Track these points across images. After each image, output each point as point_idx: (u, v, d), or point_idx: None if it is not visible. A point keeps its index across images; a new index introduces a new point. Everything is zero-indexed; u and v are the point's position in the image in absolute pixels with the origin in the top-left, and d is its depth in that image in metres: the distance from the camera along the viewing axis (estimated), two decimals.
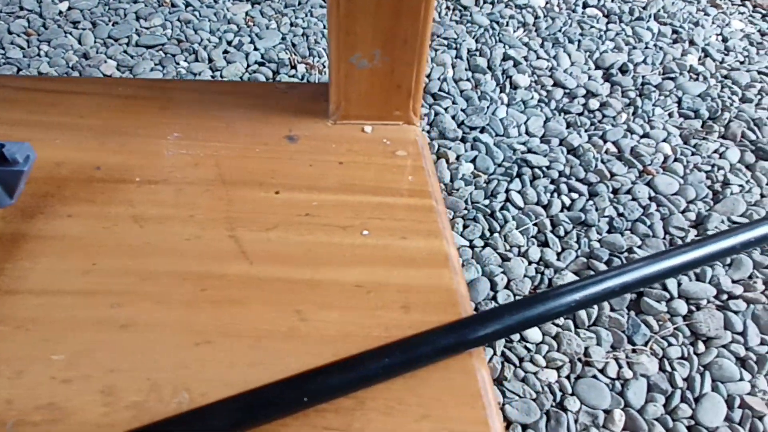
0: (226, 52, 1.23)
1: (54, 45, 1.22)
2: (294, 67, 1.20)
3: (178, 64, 1.19)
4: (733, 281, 0.89)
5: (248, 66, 1.19)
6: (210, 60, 1.21)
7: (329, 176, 0.28)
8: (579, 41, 1.35)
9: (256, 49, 1.23)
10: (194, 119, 0.32)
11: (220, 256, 0.26)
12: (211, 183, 0.28)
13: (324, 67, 1.20)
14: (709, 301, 0.86)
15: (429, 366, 0.21)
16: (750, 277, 0.90)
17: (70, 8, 1.32)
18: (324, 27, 1.32)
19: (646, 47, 1.34)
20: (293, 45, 1.25)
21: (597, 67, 1.28)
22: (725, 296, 0.87)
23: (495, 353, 0.78)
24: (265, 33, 1.28)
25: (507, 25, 1.38)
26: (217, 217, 0.27)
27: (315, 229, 0.27)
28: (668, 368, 0.79)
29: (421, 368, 0.21)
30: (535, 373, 0.77)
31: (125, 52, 1.21)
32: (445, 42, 1.31)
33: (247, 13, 1.34)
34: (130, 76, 1.15)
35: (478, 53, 1.28)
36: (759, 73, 1.29)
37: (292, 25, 1.32)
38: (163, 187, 0.28)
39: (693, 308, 0.85)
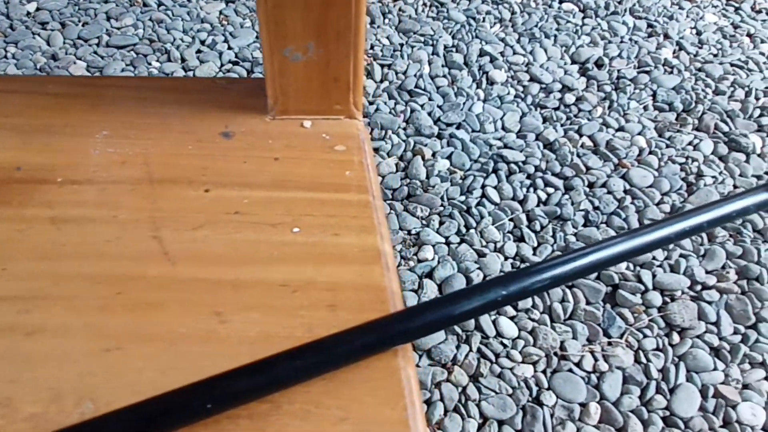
0: (199, 51, 1.21)
1: (22, 47, 1.20)
2: None
3: (149, 64, 1.18)
4: (707, 272, 0.89)
5: (222, 65, 1.18)
6: (183, 60, 1.19)
7: (263, 173, 0.27)
8: (555, 36, 1.35)
9: (230, 48, 1.22)
10: (126, 116, 0.31)
11: (141, 257, 0.25)
12: (137, 182, 0.27)
13: None
14: (683, 292, 0.87)
15: (351, 366, 0.21)
16: (723, 267, 0.90)
17: (38, 9, 1.30)
18: None
19: (622, 41, 1.35)
20: None
21: (573, 62, 1.29)
22: (699, 287, 0.87)
23: (471, 350, 0.78)
24: (239, 32, 1.26)
25: (483, 20, 1.38)
26: (140, 218, 0.26)
27: (243, 227, 0.26)
28: (643, 360, 0.79)
29: (343, 368, 0.21)
30: (511, 369, 0.77)
31: (95, 53, 1.19)
32: (422, 38, 1.30)
33: (221, 12, 1.33)
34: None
35: (454, 49, 1.28)
36: (731, 65, 1.30)
37: None
38: (86, 188, 0.27)
39: (668, 299, 0.86)
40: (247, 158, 0.28)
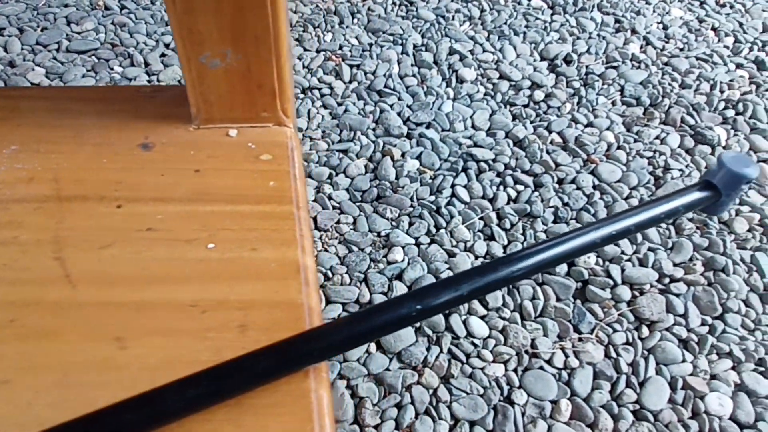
0: (163, 55, 1.19)
1: None
2: None
3: (111, 69, 1.15)
4: (675, 264, 0.90)
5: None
6: (146, 64, 1.17)
7: (181, 186, 0.26)
8: (524, 33, 1.35)
9: None
10: (38, 130, 0.29)
11: (39, 281, 0.23)
12: (44, 199, 0.26)
13: None
14: (651, 286, 0.87)
15: (259, 390, 0.20)
16: (691, 259, 0.91)
17: None
18: None
19: (590, 37, 1.36)
20: None
21: (542, 59, 1.29)
22: (667, 279, 0.88)
23: (441, 351, 0.78)
24: None
25: (453, 19, 1.38)
26: (43, 238, 0.24)
27: (155, 244, 0.25)
28: (613, 354, 0.80)
29: (249, 394, 0.20)
30: (482, 369, 0.77)
31: (55, 58, 1.16)
32: (391, 38, 1.29)
33: None
34: (60, 84, 1.10)
35: (424, 48, 1.28)
36: (697, 59, 1.32)
37: None
38: None
39: (636, 293, 0.86)
40: (166, 171, 0.27)
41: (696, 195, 0.25)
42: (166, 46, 1.21)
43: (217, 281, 0.23)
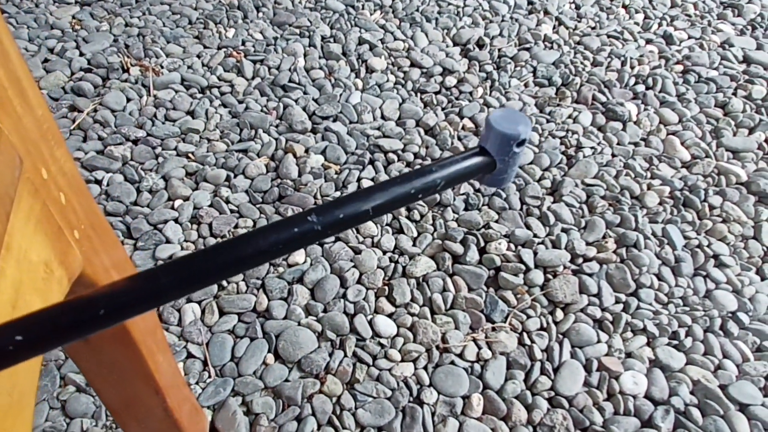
0: (46, 60, 1.09)
1: None
2: (126, 70, 1.09)
3: None
4: (588, 244, 0.88)
5: (72, 74, 1.07)
6: None
7: None
8: (436, 19, 1.32)
9: (81, 54, 1.11)
10: None
11: None
12: None
13: (162, 68, 1.10)
14: (565, 267, 0.85)
15: None
16: (604, 237, 0.90)
17: None
18: (164, 24, 1.21)
19: (503, 20, 1.34)
20: (126, 47, 1.13)
21: (455, 44, 1.26)
22: (580, 260, 0.86)
23: (346, 355, 0.73)
24: (93, 36, 1.15)
25: (363, 8, 1.34)
26: None
27: None
28: (527, 342, 0.77)
29: None
30: (389, 370, 0.72)
31: None
32: (297, 31, 1.24)
33: (74, 17, 1.21)
34: None
35: (332, 40, 1.23)
36: (609, 36, 1.32)
37: (126, 25, 1.20)
38: None
39: (549, 276, 0.84)
40: None
41: (464, 163, 0.21)
42: (50, 50, 1.12)
43: None
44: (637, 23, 1.38)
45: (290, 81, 1.10)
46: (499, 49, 1.24)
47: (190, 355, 0.71)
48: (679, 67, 1.24)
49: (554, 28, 1.34)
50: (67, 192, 0.30)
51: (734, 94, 1.18)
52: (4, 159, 0.23)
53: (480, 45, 1.26)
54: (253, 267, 0.19)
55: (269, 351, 0.72)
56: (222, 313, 0.75)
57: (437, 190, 0.20)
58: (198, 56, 1.14)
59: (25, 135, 0.26)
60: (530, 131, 0.25)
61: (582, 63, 1.23)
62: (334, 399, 0.69)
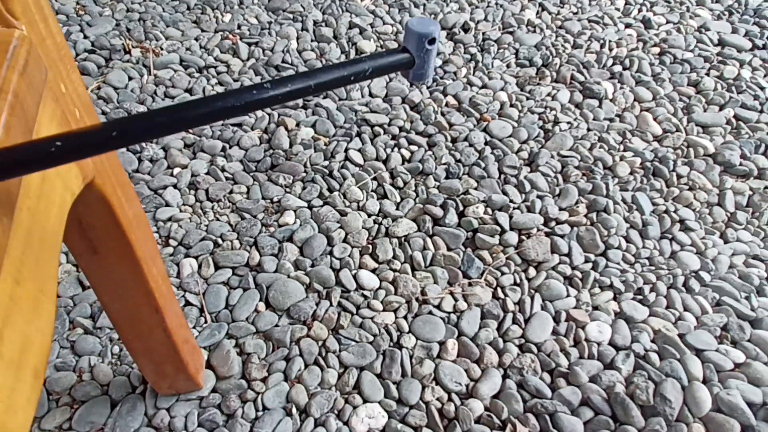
0: None
1: None
2: (128, 52, 1.15)
3: None
4: (560, 209, 0.94)
5: (77, 55, 1.13)
6: None
7: None
8: (424, 4, 1.38)
9: (86, 37, 1.17)
10: None
11: None
12: None
13: (161, 49, 1.16)
14: (538, 229, 0.91)
15: None
16: (576, 203, 0.95)
17: None
18: (163, 10, 1.28)
19: (488, 5, 1.40)
20: (128, 30, 1.20)
21: (441, 28, 1.32)
22: (553, 223, 0.92)
23: (331, 304, 0.79)
24: (97, 20, 1.22)
25: None
26: None
27: None
28: (501, 295, 0.83)
29: None
30: (371, 318, 0.78)
31: None
32: (291, 16, 1.30)
33: (78, 2, 1.27)
34: None
35: (324, 24, 1.29)
36: (589, 21, 1.38)
37: (128, 10, 1.26)
38: None
39: (524, 237, 0.90)
40: None
41: (390, 57, 0.26)
42: None
43: None
44: (618, 9, 1.44)
45: (283, 62, 1.16)
46: (484, 33, 1.30)
47: (188, 303, 0.77)
48: (656, 50, 1.30)
49: (537, 13, 1.40)
50: (81, 110, 0.36)
51: (707, 74, 1.24)
52: (34, 63, 0.29)
53: (465, 29, 1.32)
54: (220, 119, 0.24)
55: (260, 300, 0.78)
56: (217, 267, 0.82)
57: (366, 76, 0.26)
58: (196, 39, 1.21)
59: (47, 52, 0.32)
60: (439, 32, 0.31)
61: (563, 45, 1.29)
62: (320, 342, 0.75)
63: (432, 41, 0.26)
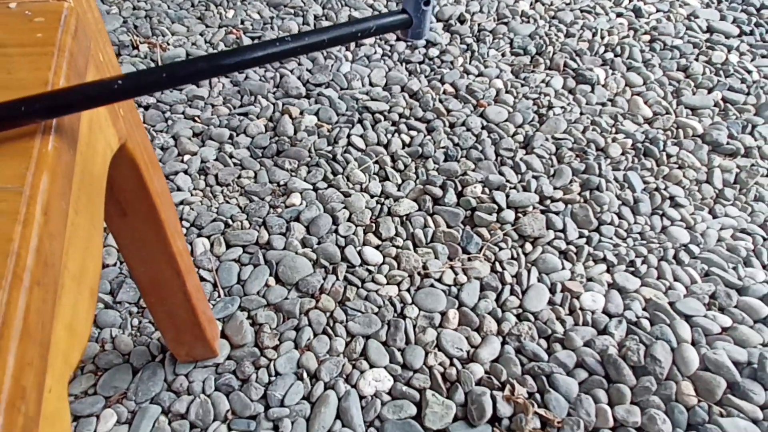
0: None
1: None
2: (136, 47, 1.19)
3: None
4: (555, 188, 0.98)
5: None
6: None
7: None
8: None
9: None
10: None
11: None
12: None
13: (168, 44, 1.20)
14: (534, 207, 0.95)
15: None
16: (570, 182, 1.00)
17: None
18: (168, 7, 1.32)
19: None
20: (135, 27, 1.24)
21: (438, 20, 1.36)
22: (548, 201, 0.96)
23: (338, 279, 0.83)
24: (105, 18, 1.26)
25: None
26: None
27: None
28: (499, 269, 0.87)
29: None
30: (376, 291, 0.82)
31: None
32: (292, 11, 1.34)
33: None
34: None
35: (324, 18, 1.33)
36: (582, 11, 1.42)
37: (134, 8, 1.31)
38: None
39: (520, 215, 0.94)
40: None
41: (390, 18, 0.31)
42: None
43: None
44: None
45: None
46: (479, 24, 1.35)
47: (202, 279, 0.81)
48: (647, 37, 1.34)
49: (531, 4, 1.44)
50: None
51: (696, 59, 1.28)
52: (81, 31, 0.33)
53: (461, 20, 1.36)
54: (249, 67, 0.28)
55: (270, 275, 0.82)
56: (228, 246, 0.86)
57: (371, 33, 0.30)
58: (201, 34, 1.25)
59: (88, 25, 0.36)
60: None
61: (556, 35, 1.33)
62: (328, 313, 0.79)
63: (427, 2, 0.30)
